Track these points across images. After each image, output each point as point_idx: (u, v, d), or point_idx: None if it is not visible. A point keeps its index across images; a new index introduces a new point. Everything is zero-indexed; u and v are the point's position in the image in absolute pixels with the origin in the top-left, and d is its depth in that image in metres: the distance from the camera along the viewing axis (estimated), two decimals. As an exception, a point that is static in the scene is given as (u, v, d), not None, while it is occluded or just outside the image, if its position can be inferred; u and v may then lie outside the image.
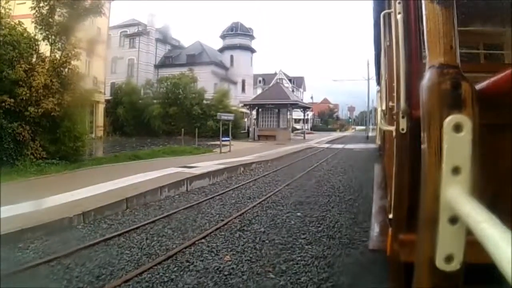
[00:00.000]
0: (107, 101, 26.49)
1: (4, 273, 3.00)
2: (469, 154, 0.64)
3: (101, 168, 9.11)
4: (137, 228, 4.51)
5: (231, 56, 38.49)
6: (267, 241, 4.08)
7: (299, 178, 8.48)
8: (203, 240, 4.08)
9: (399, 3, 1.73)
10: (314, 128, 54.46)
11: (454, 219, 0.64)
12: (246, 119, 31.31)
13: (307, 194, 6.70)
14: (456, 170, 0.65)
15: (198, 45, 38.80)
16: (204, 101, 27.86)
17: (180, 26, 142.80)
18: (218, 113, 15.10)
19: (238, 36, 38.44)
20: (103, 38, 22.94)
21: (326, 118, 65.51)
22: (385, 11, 2.20)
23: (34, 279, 3.09)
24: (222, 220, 4.86)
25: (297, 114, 50.46)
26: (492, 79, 0.75)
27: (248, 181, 8.15)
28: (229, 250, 3.82)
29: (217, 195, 6.51)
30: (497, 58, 2.82)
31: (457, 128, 0.65)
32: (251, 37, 40.05)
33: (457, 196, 0.62)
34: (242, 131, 28.51)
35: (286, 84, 56.40)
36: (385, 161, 4.21)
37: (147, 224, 4.67)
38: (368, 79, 29.87)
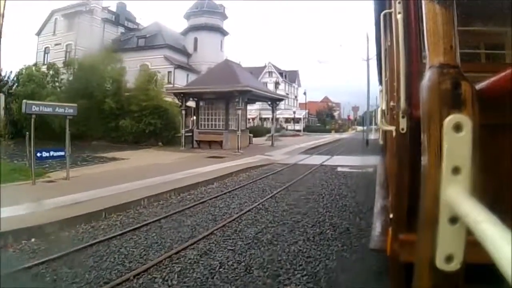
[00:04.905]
0: (10, 94, 20.27)
1: None
2: (469, 154, 0.65)
3: None
4: None
5: (195, 39, 30.65)
6: None
7: None
8: None
9: (399, 3, 1.73)
10: (308, 129, 46.09)
11: (454, 219, 0.64)
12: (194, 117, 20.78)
13: None
14: (456, 170, 0.65)
15: (155, 26, 31.32)
16: (127, 93, 20.16)
17: (144, 7, 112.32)
18: (24, 100, 7.97)
19: (205, 15, 30.45)
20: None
21: (324, 118, 62.02)
22: (385, 11, 2.21)
23: None
24: None
25: (288, 112, 45.29)
26: (492, 79, 0.75)
27: None
28: None
29: None
30: (498, 58, 2.82)
31: (457, 128, 0.65)
32: (222, 15, 31.91)
33: (457, 196, 0.62)
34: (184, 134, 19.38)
35: (276, 78, 48.56)
36: (387, 161, 4.21)
37: None
38: (368, 59, 22.10)
